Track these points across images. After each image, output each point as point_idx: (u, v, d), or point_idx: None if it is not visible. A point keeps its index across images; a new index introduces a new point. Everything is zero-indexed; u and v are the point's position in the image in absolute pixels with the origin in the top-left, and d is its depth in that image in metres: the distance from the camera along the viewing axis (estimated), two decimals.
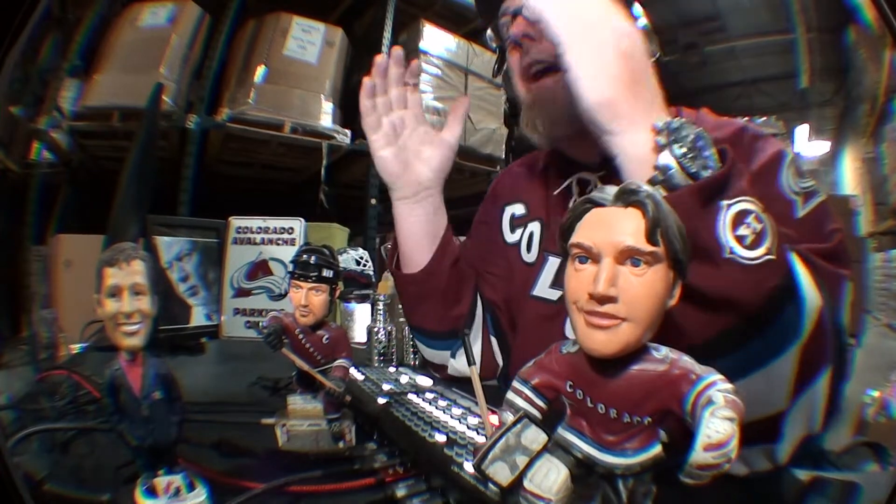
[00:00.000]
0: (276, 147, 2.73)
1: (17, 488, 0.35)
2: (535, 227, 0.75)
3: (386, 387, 0.70)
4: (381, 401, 0.61)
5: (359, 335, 1.22)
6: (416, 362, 0.95)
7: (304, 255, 0.54)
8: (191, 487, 0.39)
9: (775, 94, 5.87)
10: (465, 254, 0.80)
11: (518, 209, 0.79)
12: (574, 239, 0.31)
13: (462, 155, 2.88)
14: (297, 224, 1.31)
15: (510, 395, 0.33)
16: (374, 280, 1.51)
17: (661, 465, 0.30)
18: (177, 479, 0.39)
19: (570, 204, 0.70)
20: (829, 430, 0.51)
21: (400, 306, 0.92)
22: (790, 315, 0.43)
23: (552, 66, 0.61)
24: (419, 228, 0.75)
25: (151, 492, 0.38)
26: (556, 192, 0.72)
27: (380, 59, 0.72)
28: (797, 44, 4.80)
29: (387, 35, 2.95)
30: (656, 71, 0.50)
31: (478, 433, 0.51)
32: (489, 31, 0.73)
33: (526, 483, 0.30)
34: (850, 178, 4.73)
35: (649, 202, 0.30)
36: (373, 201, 2.89)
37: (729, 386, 0.28)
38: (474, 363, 0.38)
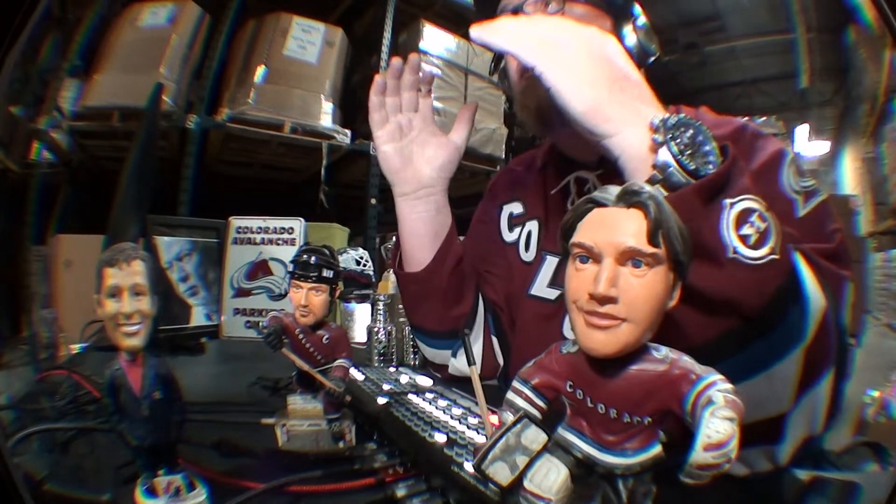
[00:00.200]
0: (276, 147, 2.73)
1: (17, 488, 0.35)
2: (533, 225, 0.75)
3: (386, 387, 0.70)
4: (381, 401, 0.61)
5: (359, 335, 1.22)
6: (416, 362, 0.96)
7: (305, 255, 0.54)
8: (191, 487, 0.39)
9: (775, 93, 5.87)
10: (465, 253, 0.80)
11: (516, 208, 0.79)
12: (575, 238, 0.31)
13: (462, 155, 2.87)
14: (297, 224, 1.31)
15: (510, 395, 0.33)
16: (374, 280, 1.51)
17: (661, 465, 0.30)
18: (177, 479, 0.39)
19: (568, 203, 0.70)
20: (830, 431, 0.51)
21: (400, 306, 0.92)
22: (794, 316, 0.43)
23: None
24: (421, 227, 0.75)
25: (151, 492, 0.38)
26: (553, 191, 0.72)
27: (396, 61, 0.72)
28: (797, 44, 4.79)
29: (387, 35, 2.95)
30: (651, 69, 0.50)
31: (478, 433, 0.51)
32: None
33: (526, 483, 0.30)
34: (850, 178, 4.73)
35: (651, 203, 0.30)
36: (373, 201, 2.88)
37: (729, 386, 0.27)
38: (474, 363, 0.37)
